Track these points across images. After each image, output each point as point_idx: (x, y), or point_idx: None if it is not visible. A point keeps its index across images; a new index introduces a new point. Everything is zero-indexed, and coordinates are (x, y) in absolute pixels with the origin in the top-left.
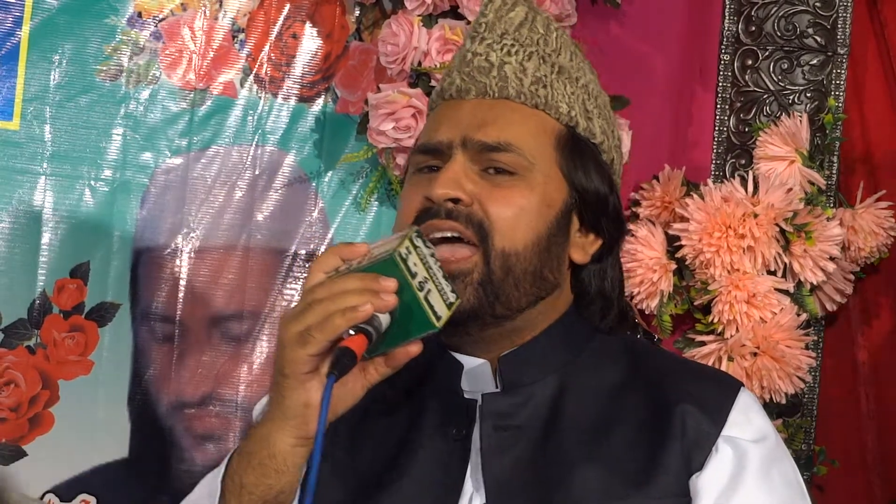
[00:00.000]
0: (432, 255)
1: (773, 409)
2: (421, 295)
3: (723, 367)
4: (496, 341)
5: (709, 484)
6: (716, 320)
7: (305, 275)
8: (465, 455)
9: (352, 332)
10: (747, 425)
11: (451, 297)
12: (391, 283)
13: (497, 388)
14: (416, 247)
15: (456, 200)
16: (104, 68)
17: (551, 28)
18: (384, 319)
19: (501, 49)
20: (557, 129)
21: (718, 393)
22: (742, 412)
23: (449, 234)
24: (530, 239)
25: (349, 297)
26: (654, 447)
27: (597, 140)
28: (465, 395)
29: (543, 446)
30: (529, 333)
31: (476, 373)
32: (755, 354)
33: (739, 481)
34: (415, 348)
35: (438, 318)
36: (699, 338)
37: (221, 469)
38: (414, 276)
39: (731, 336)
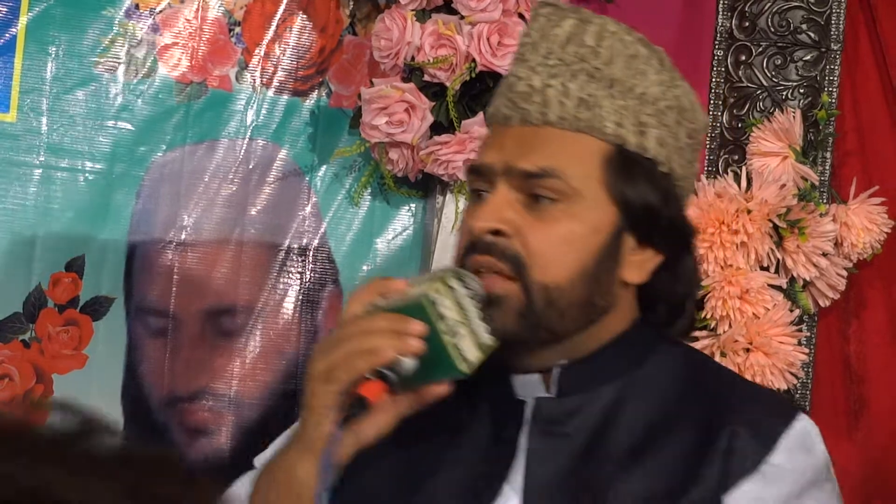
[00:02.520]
0: (472, 297)
1: None
2: (449, 339)
3: None
4: (548, 357)
5: (735, 497)
6: (709, 316)
7: (299, 269)
8: (509, 456)
9: (370, 375)
10: (797, 455)
11: (487, 339)
12: (418, 327)
13: (549, 393)
14: (450, 288)
15: (496, 232)
16: (101, 60)
17: (604, 35)
18: (408, 363)
19: (545, 71)
20: (605, 150)
21: (772, 417)
22: (796, 439)
23: (487, 269)
24: (575, 271)
25: (374, 339)
26: (696, 463)
27: (650, 154)
28: (518, 398)
29: (587, 457)
30: (586, 349)
31: (528, 380)
32: (748, 350)
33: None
34: (443, 389)
35: (466, 363)
36: (692, 333)
37: (250, 486)
38: (443, 319)
39: (724, 332)
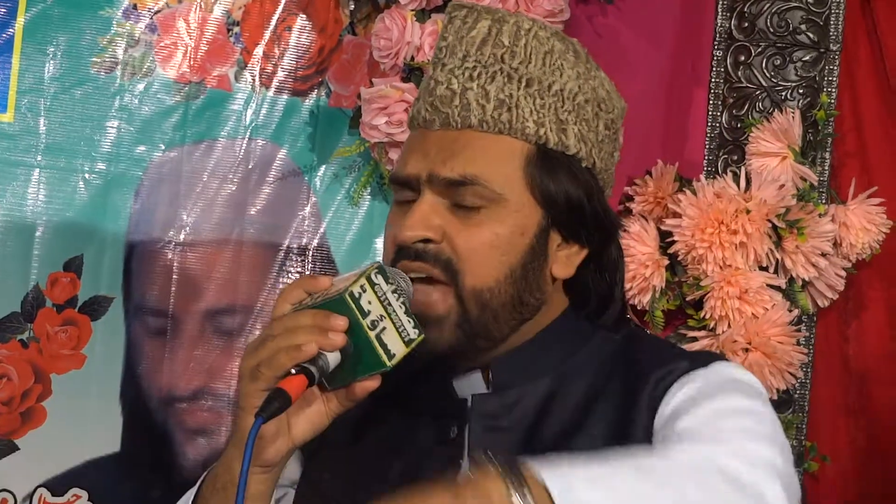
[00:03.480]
0: (395, 292)
1: None
2: (372, 334)
3: None
4: (483, 356)
5: (661, 418)
6: (708, 316)
7: (298, 269)
8: (457, 457)
9: (293, 371)
10: (721, 369)
11: (413, 335)
12: (341, 322)
13: (487, 389)
14: (373, 284)
15: (426, 241)
16: (99, 60)
17: (520, 35)
18: (332, 358)
19: (463, 74)
20: (526, 150)
21: (691, 361)
22: (713, 370)
23: (421, 275)
24: (503, 273)
25: (298, 335)
26: (625, 422)
27: (571, 151)
28: (458, 397)
29: (526, 449)
30: (518, 342)
31: (467, 377)
32: (747, 350)
33: (696, 400)
34: (372, 384)
35: (391, 357)
36: (691, 333)
37: (194, 489)
38: (366, 314)
39: (723, 332)
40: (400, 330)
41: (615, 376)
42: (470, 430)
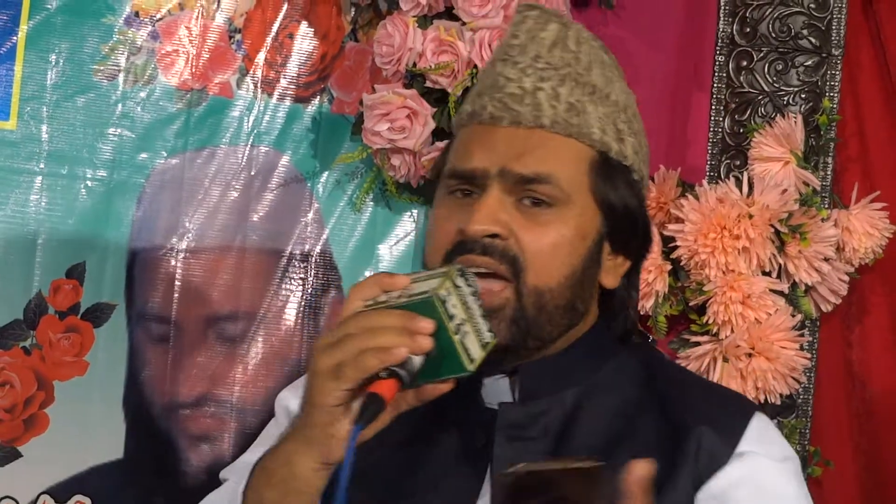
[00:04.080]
0: (473, 294)
1: (768, 411)
2: (457, 338)
3: (717, 368)
4: (520, 358)
5: (708, 493)
6: (711, 321)
7: (301, 276)
8: (484, 465)
9: (383, 374)
10: (764, 444)
11: (488, 337)
12: (428, 325)
13: (513, 397)
14: (456, 287)
15: (493, 235)
16: (101, 68)
17: (581, 41)
18: (417, 361)
19: (535, 74)
20: (591, 156)
21: (733, 413)
22: (757, 431)
23: (483, 270)
24: (564, 274)
25: (384, 336)
26: (666, 468)
27: (628, 162)
28: (486, 405)
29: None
30: (550, 350)
31: (495, 384)
32: (750, 355)
33: (737, 492)
34: (446, 386)
35: (472, 361)
36: (694, 338)
37: (244, 480)
38: (451, 318)
39: (726, 337)
40: (478, 333)
41: (651, 404)
42: (496, 441)
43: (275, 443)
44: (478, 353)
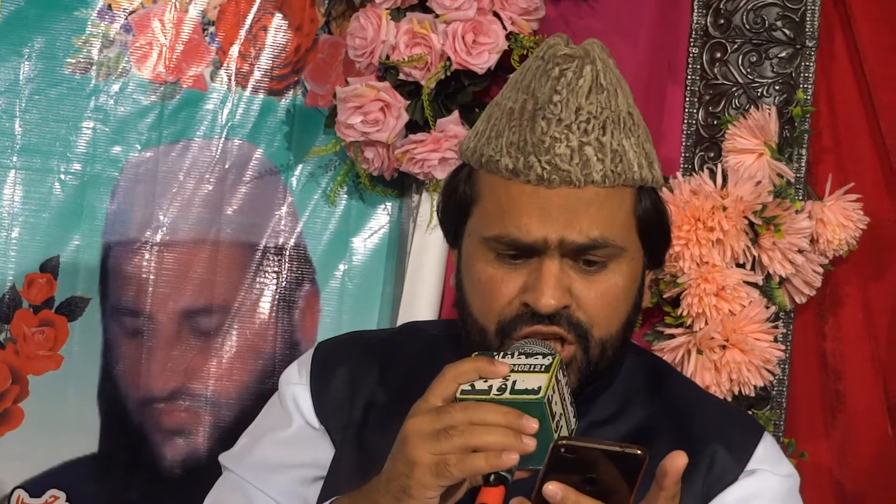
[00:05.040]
0: (567, 385)
1: (742, 402)
2: (556, 435)
3: (691, 361)
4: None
5: (721, 502)
6: (685, 313)
7: (275, 269)
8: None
9: (492, 479)
10: (773, 462)
11: (573, 423)
12: (534, 426)
13: None
14: (558, 381)
15: (562, 306)
16: (74, 61)
17: (606, 69)
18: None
19: (579, 128)
20: (633, 195)
21: (744, 433)
22: (767, 449)
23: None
24: (622, 321)
25: (492, 435)
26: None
27: (658, 184)
28: None
29: None
30: (597, 384)
31: None
32: (724, 347)
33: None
34: (524, 474)
35: None
36: (668, 331)
37: (248, 472)
38: (554, 416)
39: (700, 329)
40: (568, 423)
41: (662, 405)
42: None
43: (343, 500)
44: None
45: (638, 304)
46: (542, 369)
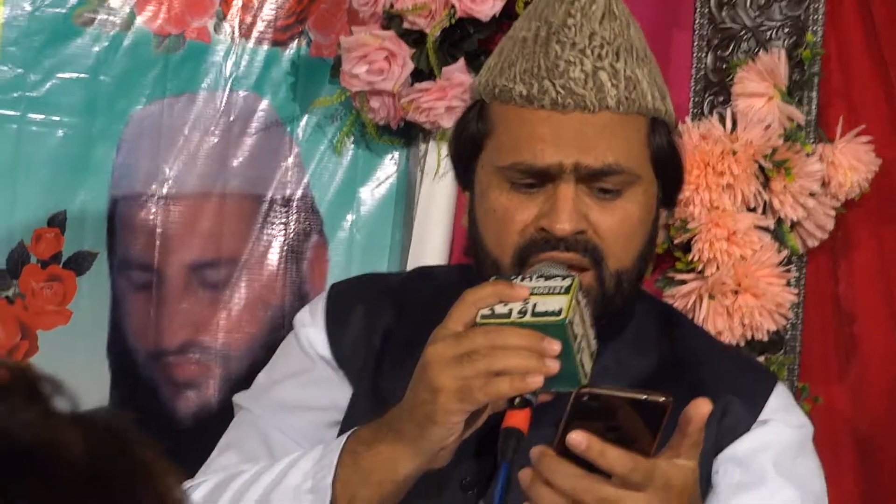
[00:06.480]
0: (587, 306)
1: (755, 347)
2: (578, 357)
3: (703, 306)
4: None
5: (730, 454)
6: (696, 259)
7: (282, 220)
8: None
9: (517, 401)
10: (785, 412)
11: (594, 346)
12: (557, 347)
13: None
14: (578, 303)
15: (577, 231)
16: (78, 13)
17: (620, 2)
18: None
19: (593, 53)
20: (646, 125)
21: (757, 382)
22: (780, 399)
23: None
24: (637, 252)
25: (514, 358)
26: None
27: (671, 119)
28: None
29: None
30: (610, 321)
31: None
32: (736, 292)
33: (761, 455)
34: (547, 398)
35: (587, 376)
36: (679, 276)
37: (330, 471)
38: (576, 338)
39: (712, 274)
40: (589, 345)
41: (674, 354)
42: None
43: (364, 432)
44: (589, 366)
45: (652, 238)
46: (562, 291)
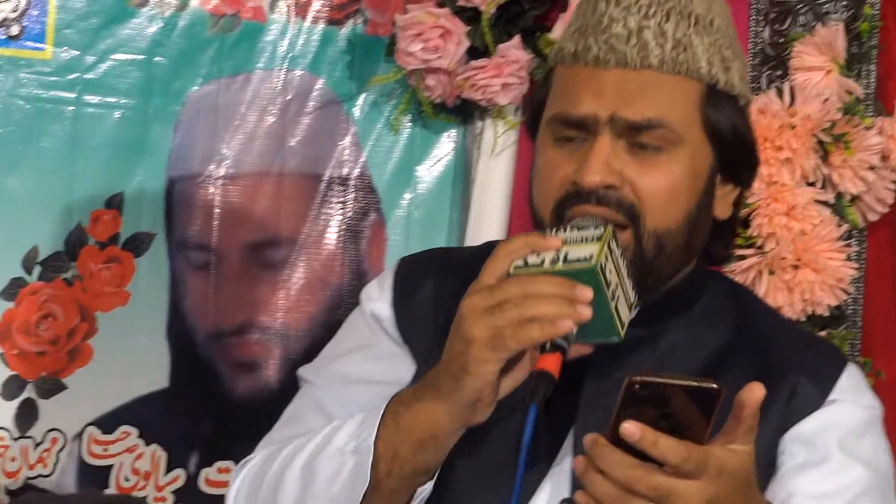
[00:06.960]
0: (622, 256)
1: (816, 322)
2: (612, 304)
3: (763, 281)
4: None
5: (796, 434)
6: (755, 234)
7: (340, 199)
8: (573, 406)
9: (548, 346)
10: (855, 392)
11: (632, 298)
12: (588, 294)
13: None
14: (611, 251)
15: (608, 186)
16: None
17: None
18: (574, 330)
19: (639, 12)
20: (700, 91)
21: (827, 363)
22: (850, 380)
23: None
24: (682, 216)
25: (546, 305)
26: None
27: (736, 90)
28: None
29: None
30: (667, 287)
31: None
32: (796, 267)
33: (827, 434)
34: (587, 349)
35: (623, 326)
36: (739, 251)
37: (372, 431)
38: (609, 285)
39: (772, 249)
40: (626, 296)
41: (745, 345)
42: (588, 377)
43: (405, 393)
44: (627, 317)
45: (704, 206)
46: (594, 239)
